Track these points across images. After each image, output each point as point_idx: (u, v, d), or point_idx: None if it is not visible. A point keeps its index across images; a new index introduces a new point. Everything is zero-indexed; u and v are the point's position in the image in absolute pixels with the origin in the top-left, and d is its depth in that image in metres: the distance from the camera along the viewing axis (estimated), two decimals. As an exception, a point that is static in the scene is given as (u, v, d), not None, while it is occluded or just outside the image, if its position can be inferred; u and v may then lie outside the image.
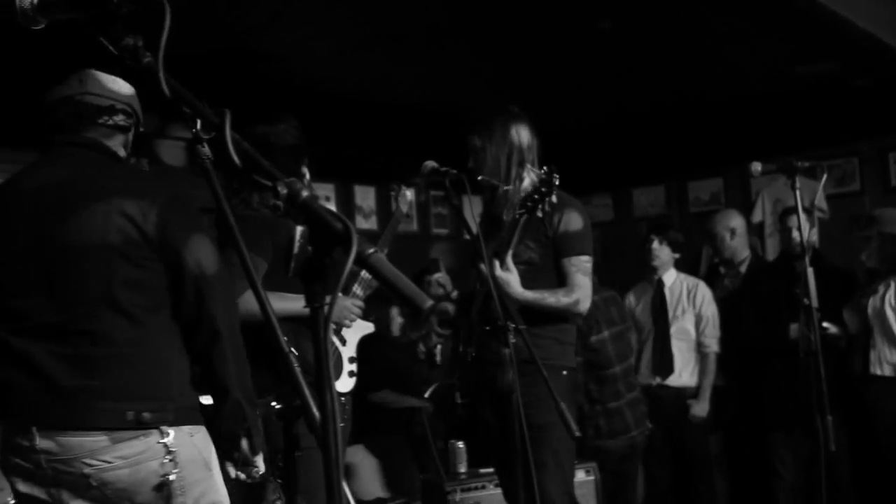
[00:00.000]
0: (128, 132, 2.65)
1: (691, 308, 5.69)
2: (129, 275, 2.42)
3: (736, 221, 6.07)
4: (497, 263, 3.47)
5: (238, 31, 5.08)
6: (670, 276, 5.82)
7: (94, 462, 2.38)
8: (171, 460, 2.39)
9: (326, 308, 1.40)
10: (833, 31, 5.29)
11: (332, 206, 5.37)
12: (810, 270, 3.84)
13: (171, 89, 1.58)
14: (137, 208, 2.42)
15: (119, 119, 2.60)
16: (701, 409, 5.60)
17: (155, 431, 2.41)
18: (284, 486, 2.38)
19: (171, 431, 2.42)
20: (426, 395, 5.44)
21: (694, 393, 5.64)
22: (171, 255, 2.45)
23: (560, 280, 3.69)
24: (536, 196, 3.39)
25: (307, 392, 1.44)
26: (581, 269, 3.69)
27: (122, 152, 2.65)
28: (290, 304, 2.82)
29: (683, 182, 7.94)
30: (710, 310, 5.69)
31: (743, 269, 6.05)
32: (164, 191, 2.53)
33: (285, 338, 1.52)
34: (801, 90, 6.69)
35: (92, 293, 2.41)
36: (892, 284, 4.92)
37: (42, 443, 2.39)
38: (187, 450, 2.45)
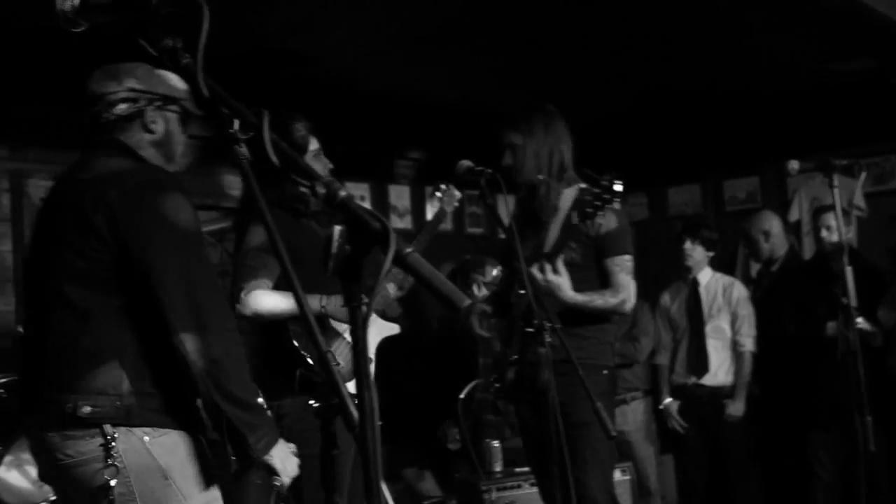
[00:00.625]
0: (140, 116, 2.58)
1: (727, 307, 5.67)
2: (77, 266, 2.38)
3: (770, 223, 6.04)
4: (548, 266, 3.48)
5: (271, 31, 5.10)
6: (705, 275, 5.80)
7: (59, 457, 2.35)
8: (111, 464, 2.28)
9: (365, 307, 1.40)
10: (871, 27, 5.24)
11: (366, 206, 5.37)
12: (849, 269, 3.81)
13: (209, 90, 1.59)
14: (91, 200, 2.38)
15: (120, 110, 2.56)
16: (737, 408, 5.57)
17: (99, 432, 2.30)
18: (322, 485, 2.34)
19: (117, 433, 2.30)
20: (462, 395, 5.43)
21: (730, 392, 5.62)
22: (120, 247, 2.37)
23: (602, 280, 3.71)
24: (598, 202, 3.34)
25: (345, 391, 1.44)
26: (624, 268, 3.72)
27: (148, 137, 2.60)
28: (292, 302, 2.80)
29: (719, 181, 7.89)
30: (746, 309, 5.67)
31: (776, 267, 6.02)
32: (127, 183, 2.43)
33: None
34: (838, 87, 6.62)
35: (45, 287, 2.45)
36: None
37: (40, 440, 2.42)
38: (137, 456, 2.31)
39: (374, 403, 1.39)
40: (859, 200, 6.88)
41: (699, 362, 5.64)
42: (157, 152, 2.62)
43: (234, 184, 5.98)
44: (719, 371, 5.64)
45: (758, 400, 5.70)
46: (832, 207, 3.96)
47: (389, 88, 6.14)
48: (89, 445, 2.30)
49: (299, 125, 3.51)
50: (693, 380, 5.65)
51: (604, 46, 5.73)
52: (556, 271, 3.49)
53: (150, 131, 2.60)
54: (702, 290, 5.75)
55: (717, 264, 5.98)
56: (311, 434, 2.56)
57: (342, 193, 1.46)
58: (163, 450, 2.33)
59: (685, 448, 5.76)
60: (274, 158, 1.53)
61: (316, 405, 1.75)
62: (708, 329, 5.66)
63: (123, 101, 2.55)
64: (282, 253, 1.53)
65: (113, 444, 2.28)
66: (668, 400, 5.80)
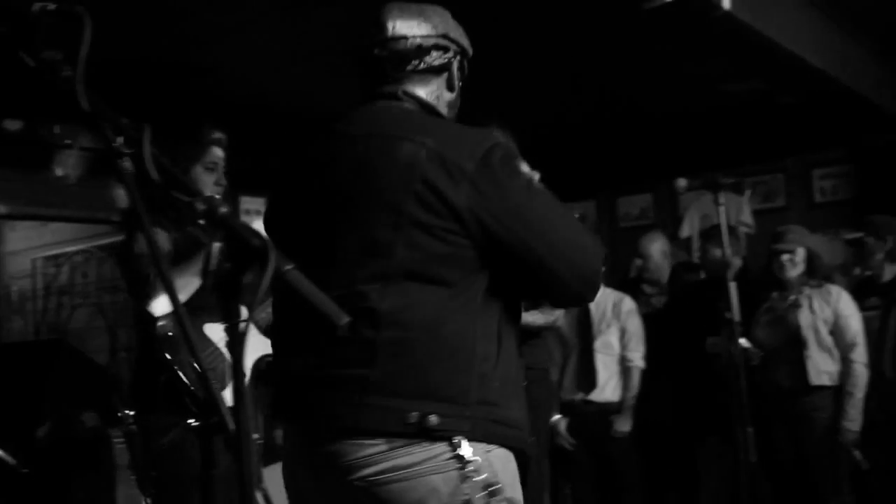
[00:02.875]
0: (447, 70, 2.25)
1: (616, 321, 5.69)
2: (429, 247, 1.99)
3: (660, 244, 6.18)
4: None
5: (173, 44, 5.03)
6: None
7: (366, 472, 1.95)
8: (467, 479, 1.92)
9: (243, 325, 1.40)
10: (760, 50, 5.40)
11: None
12: (732, 285, 3.93)
13: (90, 103, 1.56)
14: (436, 170, 1.99)
15: (432, 59, 2.21)
16: (624, 424, 5.60)
17: (446, 444, 1.94)
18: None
19: (466, 445, 1.94)
20: None
21: (617, 408, 5.65)
22: (484, 228, 2.00)
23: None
24: None
25: (226, 409, 1.43)
26: None
27: (447, 95, 2.27)
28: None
29: (613, 197, 8.04)
30: (635, 324, 5.69)
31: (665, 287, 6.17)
32: (476, 151, 2.03)
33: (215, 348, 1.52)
34: (729, 107, 6.81)
35: (356, 267, 2.01)
36: (812, 297, 5.04)
37: (322, 448, 1.99)
38: (485, 471, 1.96)
39: (250, 421, 1.38)
40: (746, 217, 7.10)
41: (588, 379, 5.64)
42: (450, 115, 2.28)
43: (125, 197, 5.88)
44: (607, 387, 5.64)
45: (645, 414, 5.79)
46: (719, 224, 4.07)
47: (298, 103, 6.10)
48: (424, 453, 1.95)
49: (208, 133, 3.51)
50: (581, 396, 5.66)
51: (507, 70, 5.80)
52: None
53: (451, 89, 2.29)
54: (592, 305, 5.79)
55: (610, 280, 6.06)
56: (191, 453, 2.46)
57: (222, 210, 1.45)
58: (500, 465, 2.02)
59: (574, 464, 5.79)
60: (153, 173, 1.51)
61: (195, 424, 1.72)
62: (597, 344, 5.67)
63: (437, 48, 2.22)
64: (163, 267, 1.52)
65: (464, 456, 1.94)
66: (557, 417, 5.78)
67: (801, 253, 5.08)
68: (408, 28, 2.17)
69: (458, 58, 2.27)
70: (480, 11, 4.85)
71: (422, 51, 2.18)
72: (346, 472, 1.95)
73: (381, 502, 1.95)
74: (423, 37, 2.18)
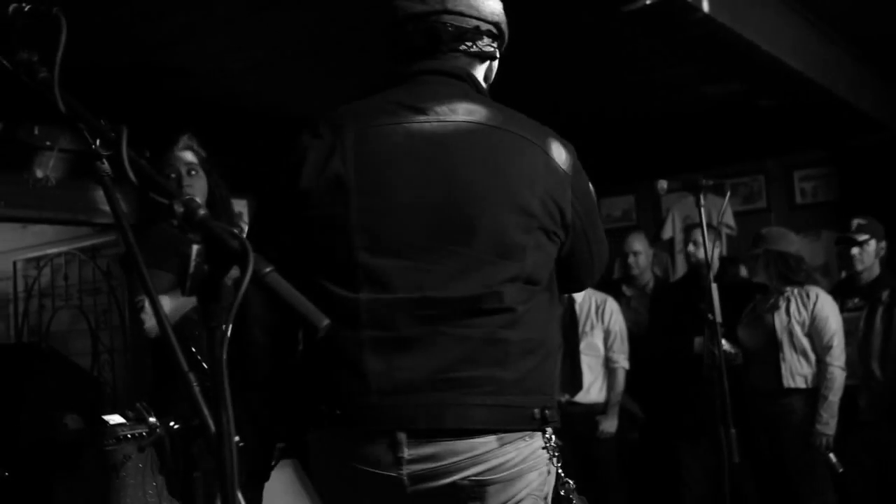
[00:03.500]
0: (492, 59, 2.21)
1: (600, 323, 5.72)
2: (549, 251, 2.04)
3: (636, 244, 6.23)
4: None
5: (148, 45, 5.02)
6: (580, 293, 5.87)
7: (474, 471, 1.92)
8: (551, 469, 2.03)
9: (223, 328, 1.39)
10: (739, 53, 5.42)
11: (244, 222, 5.32)
12: (714, 286, 3.94)
13: (66, 105, 1.56)
14: (556, 180, 2.03)
15: (484, 44, 2.14)
16: (609, 424, 5.63)
17: (540, 435, 2.02)
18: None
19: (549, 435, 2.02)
20: None
21: (603, 409, 5.68)
22: (570, 228, 2.08)
23: None
24: None
25: (206, 411, 1.43)
26: None
27: (484, 86, 2.21)
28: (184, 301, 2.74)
29: (596, 198, 8.06)
30: (619, 325, 5.73)
31: (648, 289, 6.18)
32: (570, 152, 2.13)
33: (194, 347, 1.51)
34: (709, 109, 6.84)
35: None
36: (791, 299, 5.06)
37: (411, 452, 1.92)
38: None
39: (231, 423, 1.37)
40: (728, 219, 7.13)
41: (573, 380, 5.69)
42: None
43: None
44: (592, 388, 5.68)
45: (629, 415, 5.81)
46: (700, 225, 4.08)
47: (267, 103, 6.10)
48: (527, 448, 2.00)
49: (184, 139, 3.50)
50: (566, 397, 5.69)
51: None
52: None
53: (488, 80, 2.24)
54: (577, 306, 5.83)
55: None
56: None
57: (201, 212, 1.45)
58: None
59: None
60: (131, 176, 1.50)
61: (176, 426, 1.72)
62: (582, 346, 5.71)
63: (489, 34, 2.15)
64: (142, 268, 1.52)
65: (555, 447, 2.08)
66: None
67: (769, 256, 5.10)
68: (468, 6, 2.08)
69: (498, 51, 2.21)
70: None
71: (478, 33, 2.10)
72: (448, 474, 1.91)
73: (482, 501, 1.94)
74: (481, 19, 2.11)
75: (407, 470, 1.90)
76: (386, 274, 1.93)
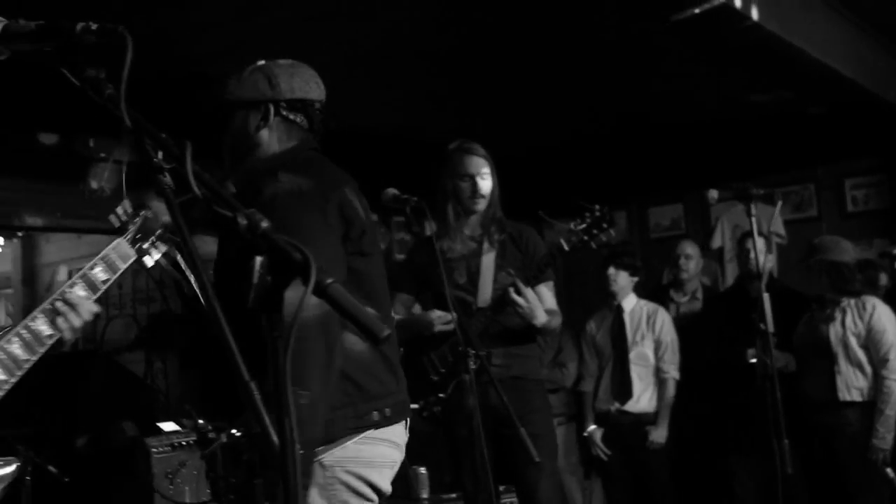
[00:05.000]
0: None
1: (650, 333, 5.71)
2: None
3: (693, 249, 6.20)
4: (528, 290, 3.75)
5: (194, 57, 5.09)
6: (630, 302, 5.85)
7: None
8: None
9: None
10: (788, 60, 5.39)
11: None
12: (766, 296, 3.90)
13: (132, 121, 1.60)
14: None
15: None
16: (659, 434, 5.60)
17: None
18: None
19: None
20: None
21: (653, 419, 5.66)
22: None
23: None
24: (595, 231, 3.78)
25: (268, 419, 1.45)
26: (553, 292, 4.03)
27: None
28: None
29: (644, 208, 8.02)
30: (670, 335, 5.71)
31: (698, 295, 6.15)
32: None
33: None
34: (759, 117, 6.79)
35: None
36: (847, 310, 5.00)
37: None
38: None
39: (294, 433, 1.40)
40: (778, 228, 7.06)
41: (623, 389, 5.68)
42: None
43: (164, 210, 5.93)
44: (642, 397, 5.67)
45: (680, 426, 5.77)
46: (751, 235, 4.05)
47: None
48: None
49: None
50: (616, 406, 5.69)
51: (539, 81, 5.83)
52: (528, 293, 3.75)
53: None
54: (626, 316, 5.81)
55: (643, 291, 6.06)
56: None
57: (264, 224, 1.47)
58: None
59: (609, 475, 5.80)
60: (196, 189, 1.54)
61: (237, 434, 1.75)
62: (632, 356, 5.70)
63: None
64: (204, 281, 1.55)
65: None
66: (592, 427, 5.82)
67: (823, 265, 5.05)
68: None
69: None
70: (514, 26, 4.89)
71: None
72: None
73: None
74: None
75: None
76: None
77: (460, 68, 5.56)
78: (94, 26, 1.66)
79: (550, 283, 4.01)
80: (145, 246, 2.14)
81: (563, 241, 3.82)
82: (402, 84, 5.73)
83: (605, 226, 3.81)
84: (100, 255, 2.12)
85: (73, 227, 6.23)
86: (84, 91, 1.70)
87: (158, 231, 2.13)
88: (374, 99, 5.91)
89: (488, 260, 3.95)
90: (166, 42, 4.74)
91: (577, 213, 3.89)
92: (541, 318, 3.78)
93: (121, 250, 2.13)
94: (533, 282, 3.81)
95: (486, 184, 3.99)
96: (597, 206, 3.85)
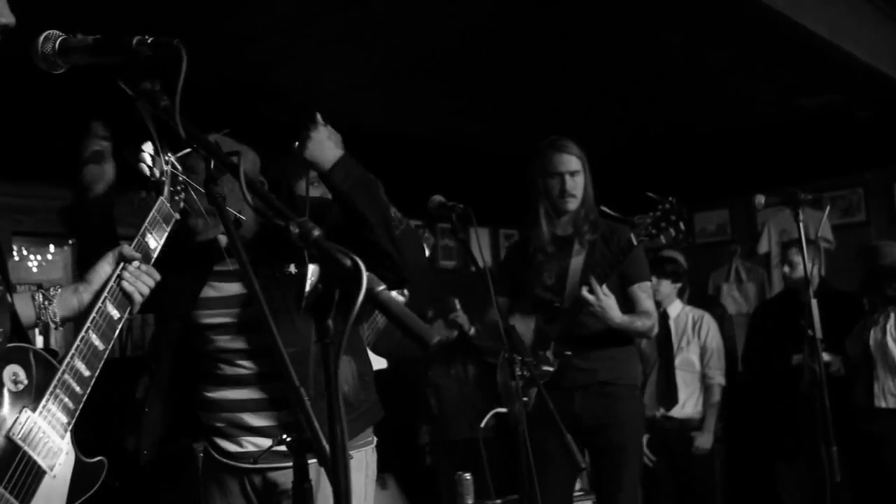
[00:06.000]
0: None
1: (696, 339, 5.68)
2: None
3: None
4: (601, 289, 3.61)
5: (243, 66, 5.15)
6: (675, 308, 5.82)
7: None
8: None
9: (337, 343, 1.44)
10: (835, 63, 5.35)
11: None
12: (814, 302, 3.86)
13: (187, 133, 1.63)
14: None
15: None
16: (705, 440, 5.57)
17: None
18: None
19: None
20: (482, 424, 5.41)
21: (698, 425, 5.63)
22: None
23: (627, 305, 3.79)
24: (664, 224, 3.61)
25: (317, 424, 1.48)
26: (649, 293, 3.87)
27: None
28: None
29: (690, 213, 7.98)
30: (716, 341, 5.69)
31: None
32: None
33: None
34: (806, 121, 6.74)
35: None
36: (892, 316, 4.94)
37: None
38: None
39: (345, 437, 1.42)
40: (826, 233, 6.99)
41: (668, 395, 5.66)
42: None
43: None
44: (687, 403, 5.65)
45: (724, 432, 5.74)
46: (799, 240, 4.02)
47: (362, 121, 6.20)
48: None
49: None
50: (661, 412, 5.67)
51: (586, 91, 5.84)
52: (604, 293, 3.61)
53: None
54: (671, 322, 5.78)
55: (688, 296, 6.03)
56: None
57: (316, 232, 1.50)
58: None
59: (654, 481, 5.78)
60: (248, 199, 1.57)
61: (288, 439, 1.78)
62: (677, 361, 5.68)
63: None
64: (254, 284, 1.58)
65: None
66: None
67: (879, 271, 5.00)
68: None
69: None
70: (566, 31, 4.90)
71: None
72: None
73: None
74: None
75: None
76: None
77: (509, 78, 5.57)
78: (149, 40, 1.70)
79: (644, 284, 3.87)
80: (179, 200, 2.15)
81: (633, 237, 3.67)
82: (453, 92, 5.76)
83: (674, 218, 3.64)
84: (147, 221, 2.13)
85: (123, 234, 6.30)
86: (140, 103, 1.74)
87: (181, 178, 2.15)
88: (425, 107, 5.94)
89: (577, 261, 3.84)
90: (213, 51, 4.80)
91: (647, 206, 3.76)
92: (616, 319, 3.64)
93: (163, 212, 2.16)
94: (604, 279, 3.64)
95: (575, 182, 3.87)
96: (670, 198, 3.70)
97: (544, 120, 6.29)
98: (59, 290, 2.10)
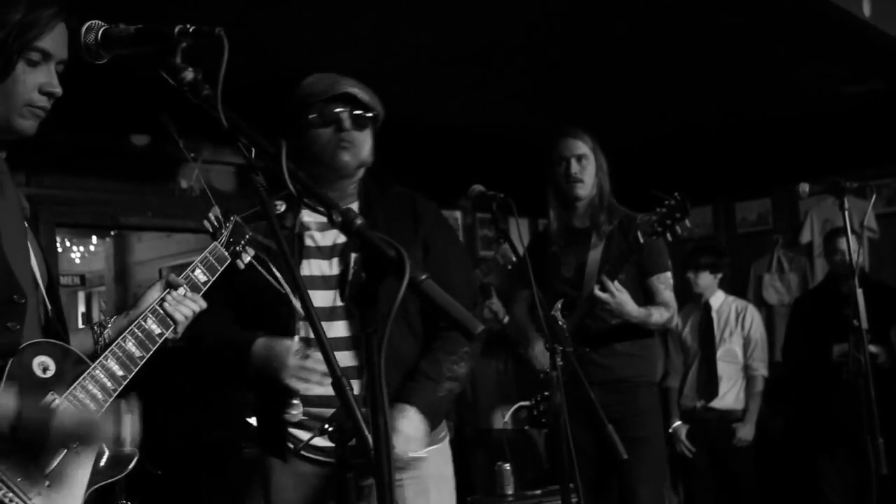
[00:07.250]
0: None
1: (739, 330, 5.65)
2: None
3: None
4: (613, 284, 3.59)
5: (281, 59, 5.15)
6: (718, 299, 5.78)
7: None
8: None
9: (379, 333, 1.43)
10: (882, 49, 5.26)
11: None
12: (860, 291, 3.81)
13: (229, 121, 1.63)
14: None
15: None
16: (747, 432, 5.54)
17: None
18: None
19: None
20: (506, 417, 5.42)
21: (739, 416, 5.58)
22: None
23: (646, 297, 3.78)
24: (669, 221, 3.54)
25: (360, 415, 1.47)
26: (668, 285, 3.84)
27: None
28: None
29: (731, 202, 7.90)
30: (759, 333, 5.65)
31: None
32: None
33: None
34: (849, 110, 6.64)
35: None
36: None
37: None
38: None
39: (388, 429, 1.41)
40: (871, 222, 6.90)
41: (709, 386, 5.62)
42: None
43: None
44: (728, 394, 5.61)
45: (766, 424, 5.68)
46: (843, 230, 3.96)
47: (405, 112, 6.18)
48: None
49: None
50: (702, 403, 5.62)
51: (623, 78, 5.78)
52: (617, 288, 3.60)
53: None
54: (714, 313, 5.74)
55: (729, 286, 5.97)
56: None
57: (358, 221, 1.49)
58: None
59: (693, 472, 5.74)
60: (291, 188, 1.56)
61: (330, 429, 1.78)
62: (720, 353, 5.64)
63: None
64: (298, 276, 1.58)
65: None
66: (678, 423, 5.76)
67: None
68: None
69: None
70: (614, 16, 4.86)
71: None
72: None
73: None
74: None
75: None
76: None
77: (551, 67, 5.53)
78: (191, 29, 1.70)
79: (664, 275, 3.84)
80: (237, 249, 2.25)
81: (639, 234, 3.62)
82: (494, 83, 5.73)
83: (678, 215, 3.58)
84: (199, 259, 2.28)
85: (164, 226, 6.36)
86: (181, 92, 1.74)
87: (248, 236, 2.26)
88: (466, 98, 5.92)
89: (595, 254, 3.81)
90: (251, 46, 4.81)
91: (655, 203, 3.70)
92: (633, 313, 3.64)
93: (217, 253, 2.25)
94: (615, 275, 3.61)
95: (582, 166, 3.84)
96: (676, 194, 3.64)
97: (588, 109, 6.25)
98: (115, 318, 2.24)
